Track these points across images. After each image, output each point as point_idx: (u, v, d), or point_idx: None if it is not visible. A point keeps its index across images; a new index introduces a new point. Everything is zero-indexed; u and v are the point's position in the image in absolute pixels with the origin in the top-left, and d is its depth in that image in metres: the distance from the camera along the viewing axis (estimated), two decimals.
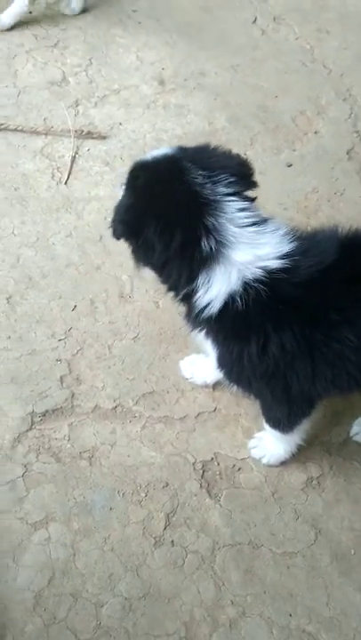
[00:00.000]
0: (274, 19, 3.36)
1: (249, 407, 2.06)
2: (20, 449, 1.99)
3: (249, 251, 1.55)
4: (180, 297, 1.66)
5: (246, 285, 1.55)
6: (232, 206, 1.56)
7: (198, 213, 1.54)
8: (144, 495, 1.93)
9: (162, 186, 1.57)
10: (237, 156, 1.68)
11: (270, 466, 1.99)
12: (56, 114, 2.84)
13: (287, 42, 3.27)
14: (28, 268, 2.38)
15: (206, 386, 2.12)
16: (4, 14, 3.12)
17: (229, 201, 1.56)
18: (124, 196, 1.64)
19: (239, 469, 1.99)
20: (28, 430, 2.03)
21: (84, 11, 3.26)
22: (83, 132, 2.76)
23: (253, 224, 1.57)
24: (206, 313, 1.60)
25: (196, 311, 1.62)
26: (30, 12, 3.20)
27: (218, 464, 2.00)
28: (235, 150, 1.72)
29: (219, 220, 1.54)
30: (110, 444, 2.01)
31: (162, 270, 1.62)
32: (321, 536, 1.89)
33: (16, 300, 2.30)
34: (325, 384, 1.69)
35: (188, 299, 1.64)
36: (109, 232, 1.70)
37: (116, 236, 1.65)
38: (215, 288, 1.56)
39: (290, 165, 2.75)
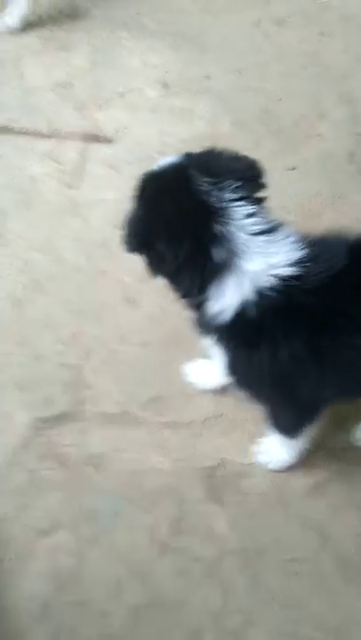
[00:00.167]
0: (277, 22, 3.35)
1: (255, 412, 2.05)
2: (26, 455, 1.98)
3: (261, 260, 1.55)
4: (192, 305, 1.66)
5: (259, 294, 1.55)
6: (240, 212, 1.55)
7: (205, 222, 1.53)
8: (150, 501, 1.92)
9: (168, 196, 1.57)
10: (245, 157, 1.66)
11: (276, 471, 1.98)
12: (61, 116, 2.83)
13: (290, 45, 3.25)
14: (36, 272, 2.37)
15: (212, 391, 2.11)
16: (8, 16, 3.10)
17: (237, 207, 1.55)
18: (133, 209, 1.63)
19: (245, 475, 1.98)
20: (33, 436, 2.01)
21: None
22: (89, 135, 2.75)
23: (264, 232, 1.56)
24: (219, 321, 1.60)
25: (209, 319, 1.62)
26: (34, 13, 3.16)
27: (224, 469, 1.99)
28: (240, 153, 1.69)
29: (227, 228, 1.53)
30: (117, 450, 2.00)
31: (173, 280, 1.62)
32: (327, 542, 1.88)
33: (24, 304, 2.29)
34: (334, 390, 1.69)
35: (200, 307, 1.63)
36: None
37: (130, 249, 1.64)
38: (228, 297, 1.56)
39: (293, 169, 2.74)
